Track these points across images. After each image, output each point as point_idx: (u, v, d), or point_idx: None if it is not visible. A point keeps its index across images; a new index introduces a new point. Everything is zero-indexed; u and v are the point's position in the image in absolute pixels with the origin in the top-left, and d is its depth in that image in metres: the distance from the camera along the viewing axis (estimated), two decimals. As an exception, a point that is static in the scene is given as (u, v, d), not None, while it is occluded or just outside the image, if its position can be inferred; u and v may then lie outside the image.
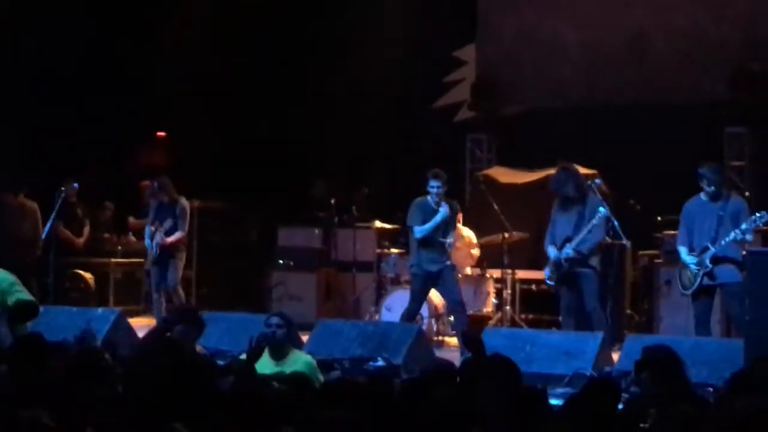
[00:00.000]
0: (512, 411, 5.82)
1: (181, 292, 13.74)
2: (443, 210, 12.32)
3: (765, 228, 13.04)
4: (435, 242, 12.42)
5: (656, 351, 7.05)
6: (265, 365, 8.14)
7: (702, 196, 11.21)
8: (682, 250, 11.27)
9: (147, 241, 13.90)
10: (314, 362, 8.67)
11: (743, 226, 10.77)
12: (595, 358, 10.69)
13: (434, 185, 12.34)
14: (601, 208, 11.63)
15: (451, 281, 12.55)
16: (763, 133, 15.34)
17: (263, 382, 6.85)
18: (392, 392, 6.23)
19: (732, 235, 10.81)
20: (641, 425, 6.03)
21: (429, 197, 12.39)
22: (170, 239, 13.63)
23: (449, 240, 12.56)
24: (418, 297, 12.64)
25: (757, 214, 10.74)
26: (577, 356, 10.73)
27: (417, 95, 17.52)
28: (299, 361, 8.53)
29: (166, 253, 13.66)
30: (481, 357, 7.17)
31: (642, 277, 14.14)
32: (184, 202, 13.91)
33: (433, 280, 12.50)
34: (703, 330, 11.19)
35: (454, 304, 12.59)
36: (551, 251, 11.86)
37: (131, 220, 16.90)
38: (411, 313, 12.53)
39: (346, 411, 5.43)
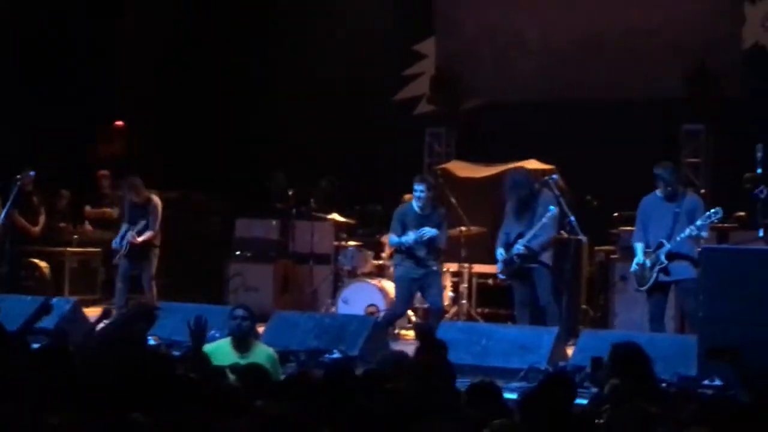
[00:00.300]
0: (466, 404, 5.85)
1: (154, 289, 13.68)
2: (427, 231, 12.15)
3: (720, 225, 13.16)
4: (418, 247, 12.27)
5: (625, 347, 7.07)
6: (229, 357, 8.17)
7: (658, 193, 11.31)
8: (638, 247, 11.34)
9: (117, 241, 13.78)
10: (276, 355, 8.72)
11: (698, 223, 10.86)
12: (550, 352, 10.74)
13: (417, 189, 12.18)
14: (552, 207, 11.69)
15: (435, 287, 12.37)
16: (719, 130, 15.45)
17: (217, 372, 6.86)
18: (349, 385, 6.24)
19: (687, 231, 10.89)
20: (597, 421, 6.07)
21: (414, 202, 12.31)
22: (141, 237, 13.61)
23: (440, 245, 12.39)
24: (402, 302, 12.60)
25: (712, 211, 10.83)
26: (532, 350, 10.78)
27: (376, 88, 17.51)
28: (262, 353, 8.58)
29: (140, 251, 13.63)
30: (432, 349, 7.17)
31: (598, 272, 14.21)
32: (156, 200, 13.87)
33: (416, 284, 12.36)
34: (657, 326, 11.28)
35: (435, 310, 12.45)
36: (499, 253, 11.94)
37: (87, 209, 16.83)
38: (393, 317, 12.71)
39: (301, 403, 5.44)
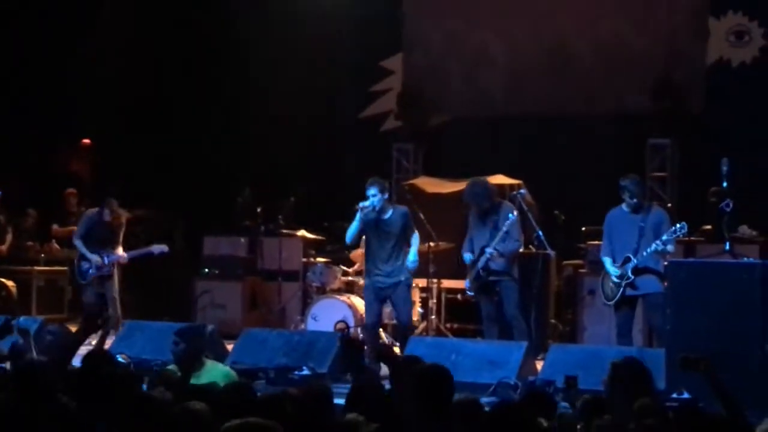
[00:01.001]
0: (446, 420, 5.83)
1: (119, 308, 13.56)
2: (367, 210, 11.67)
3: (687, 238, 13.23)
4: (382, 253, 11.87)
5: (627, 365, 7.04)
6: None
7: (624, 207, 11.33)
8: (606, 261, 11.38)
9: (86, 266, 13.55)
10: (233, 373, 8.50)
11: (664, 237, 10.89)
12: (519, 367, 10.74)
13: (369, 193, 11.70)
14: (510, 214, 11.69)
15: (402, 300, 11.88)
16: (685, 144, 15.52)
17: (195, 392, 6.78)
18: (328, 403, 6.20)
19: (653, 246, 10.93)
20: None
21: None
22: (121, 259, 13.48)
23: (411, 255, 11.85)
24: (369, 310, 12.07)
25: (678, 225, 10.87)
26: (501, 365, 10.78)
27: (343, 104, 17.55)
28: (214, 371, 8.27)
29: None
30: (398, 369, 7.13)
31: (566, 286, 14.25)
32: (123, 219, 13.72)
33: (385, 294, 11.93)
34: (624, 340, 11.30)
35: (402, 326, 12.06)
36: (467, 256, 11.96)
37: (55, 227, 16.77)
38: (367, 326, 12.26)
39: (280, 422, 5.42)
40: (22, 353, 9.23)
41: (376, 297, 11.92)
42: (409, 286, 11.95)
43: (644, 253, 10.96)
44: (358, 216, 11.70)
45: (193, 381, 7.82)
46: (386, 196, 11.82)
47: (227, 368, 8.65)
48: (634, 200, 11.19)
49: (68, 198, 17.05)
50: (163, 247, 13.60)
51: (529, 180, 13.91)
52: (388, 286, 11.80)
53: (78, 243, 13.42)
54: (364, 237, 12.17)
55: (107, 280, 13.34)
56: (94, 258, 13.24)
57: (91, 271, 13.32)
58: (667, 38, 15.91)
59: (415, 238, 11.99)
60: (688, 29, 15.90)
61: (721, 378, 6.56)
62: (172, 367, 8.32)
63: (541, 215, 13.24)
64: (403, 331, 11.99)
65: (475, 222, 12.01)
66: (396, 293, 11.81)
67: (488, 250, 11.70)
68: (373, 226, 11.80)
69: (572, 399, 6.92)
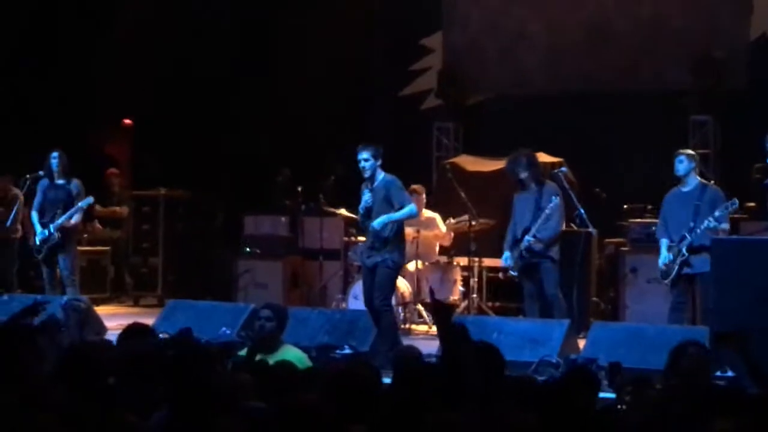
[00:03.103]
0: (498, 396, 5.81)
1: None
2: (365, 197, 11.09)
3: (730, 215, 13.18)
4: (366, 230, 11.27)
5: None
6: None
7: (681, 186, 11.35)
8: (663, 243, 11.34)
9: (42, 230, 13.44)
10: (305, 357, 8.47)
11: (716, 214, 10.84)
12: (561, 345, 10.73)
13: (360, 157, 11.01)
14: (554, 197, 11.65)
15: (380, 279, 11.00)
16: (727, 121, 15.42)
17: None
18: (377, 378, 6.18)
19: (706, 223, 10.87)
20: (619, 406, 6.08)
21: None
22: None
23: (383, 217, 10.91)
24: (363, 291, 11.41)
25: (729, 202, 10.83)
26: (543, 343, 10.77)
27: (383, 83, 17.52)
28: (288, 354, 8.19)
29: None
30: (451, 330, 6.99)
31: (607, 264, 14.20)
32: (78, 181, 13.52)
33: (371, 274, 11.10)
34: (675, 315, 11.27)
35: (373, 309, 11.15)
36: (504, 257, 11.94)
37: (98, 207, 16.83)
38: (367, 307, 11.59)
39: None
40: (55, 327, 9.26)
41: (366, 276, 11.23)
42: (388, 269, 11.01)
43: (698, 231, 10.90)
44: (364, 195, 11.15)
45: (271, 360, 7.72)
46: (379, 162, 10.99)
47: (299, 351, 8.55)
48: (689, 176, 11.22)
49: (110, 178, 17.14)
50: (88, 199, 13.48)
51: (570, 158, 13.87)
52: (371, 267, 11.09)
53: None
54: None
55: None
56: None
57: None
58: (709, 14, 15.80)
59: (406, 210, 10.98)
60: (731, 5, 15.78)
61: (754, 353, 6.52)
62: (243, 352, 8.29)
63: (582, 193, 13.19)
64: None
65: (518, 203, 11.98)
66: (377, 275, 11.04)
67: (527, 238, 11.66)
68: (366, 195, 11.16)
69: (617, 384, 6.86)
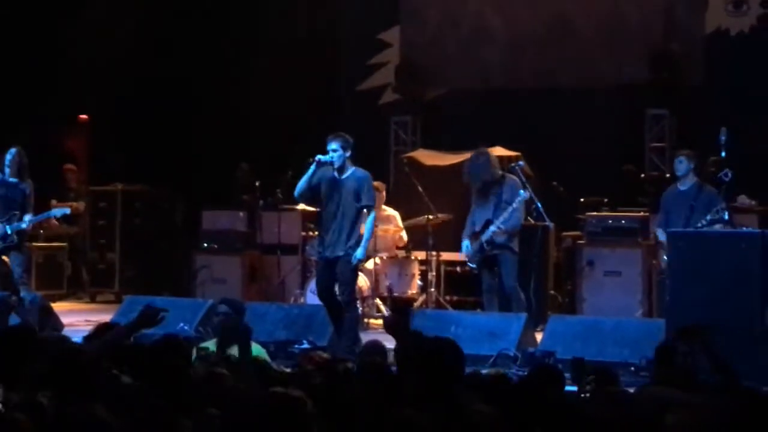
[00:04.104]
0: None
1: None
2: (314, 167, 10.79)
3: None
4: (328, 219, 10.96)
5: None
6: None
7: (680, 186, 11.62)
8: (659, 232, 11.59)
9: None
10: (264, 352, 8.44)
11: (708, 218, 10.94)
12: (518, 338, 10.78)
13: (330, 147, 10.84)
14: (521, 191, 11.68)
15: (343, 274, 10.88)
16: (683, 114, 15.51)
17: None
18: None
19: (700, 224, 10.94)
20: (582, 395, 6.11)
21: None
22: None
23: (360, 249, 10.78)
24: (317, 282, 11.29)
25: (718, 206, 10.90)
26: (501, 337, 10.82)
27: (341, 78, 17.51)
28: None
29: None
30: (406, 340, 7.07)
31: (565, 258, 14.25)
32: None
33: (331, 267, 10.96)
34: None
35: (330, 302, 11.06)
36: (464, 245, 11.90)
37: (54, 203, 16.74)
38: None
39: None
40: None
41: (324, 269, 11.08)
42: (348, 262, 10.83)
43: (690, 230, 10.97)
44: (311, 168, 10.80)
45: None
46: (348, 154, 10.85)
47: (258, 346, 8.50)
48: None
49: (67, 173, 17.06)
50: (65, 210, 13.41)
51: (528, 151, 13.90)
52: (332, 260, 10.90)
53: None
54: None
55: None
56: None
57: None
58: (665, 8, 15.88)
59: (369, 222, 10.95)
60: (686, 0, 15.87)
61: (717, 348, 6.57)
62: (206, 344, 8.27)
63: (539, 187, 13.23)
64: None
65: (476, 198, 11.98)
66: (338, 267, 10.88)
67: (492, 227, 11.66)
68: (329, 186, 10.92)
69: (581, 381, 6.88)
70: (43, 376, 5.67)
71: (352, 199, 10.85)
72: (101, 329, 7.40)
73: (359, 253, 10.79)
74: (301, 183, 10.93)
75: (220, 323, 8.50)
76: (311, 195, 11.10)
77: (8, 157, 13.00)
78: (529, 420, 5.35)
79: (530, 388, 5.88)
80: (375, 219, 13.51)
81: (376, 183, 13.75)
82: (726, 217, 10.84)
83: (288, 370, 6.93)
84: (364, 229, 10.91)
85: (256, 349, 8.26)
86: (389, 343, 7.79)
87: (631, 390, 6.65)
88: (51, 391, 5.40)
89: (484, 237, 11.72)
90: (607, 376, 6.61)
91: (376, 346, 7.86)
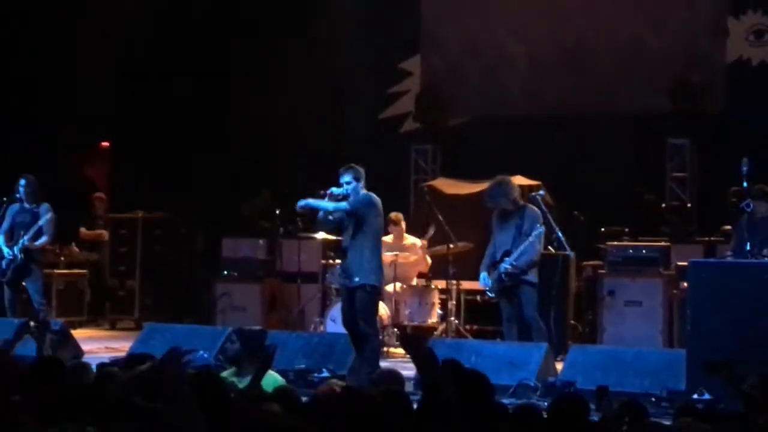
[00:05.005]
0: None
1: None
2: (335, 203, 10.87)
3: (707, 238, 13.23)
4: (345, 246, 11.12)
5: None
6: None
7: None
8: None
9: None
10: (282, 381, 8.41)
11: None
12: (539, 368, 10.73)
13: (342, 181, 10.96)
14: (539, 225, 11.63)
15: (360, 303, 10.87)
16: (704, 144, 15.48)
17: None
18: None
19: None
20: None
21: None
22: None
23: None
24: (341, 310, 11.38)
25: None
26: (521, 366, 10.77)
27: (362, 106, 17.54)
28: (266, 380, 8.25)
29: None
30: (431, 367, 7.02)
31: (585, 287, 14.21)
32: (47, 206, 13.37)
33: (351, 296, 10.99)
34: None
35: (352, 330, 11.03)
36: (482, 278, 11.80)
37: (83, 230, 16.84)
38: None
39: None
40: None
41: (345, 298, 11.14)
42: (366, 291, 10.83)
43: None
44: (323, 202, 10.88)
45: (239, 384, 7.66)
46: (361, 184, 10.92)
47: (277, 376, 8.49)
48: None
49: (95, 202, 17.18)
50: (46, 216, 13.34)
51: (548, 180, 13.88)
52: (348, 288, 10.98)
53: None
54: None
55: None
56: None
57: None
58: (686, 38, 15.89)
59: (335, 205, 10.87)
60: (707, 29, 15.87)
61: (743, 381, 6.54)
62: (225, 374, 8.26)
63: (559, 216, 13.21)
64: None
65: (497, 225, 11.94)
66: (356, 299, 10.90)
67: (507, 260, 11.62)
68: (344, 224, 11.06)
69: (605, 408, 6.85)
70: (79, 406, 5.69)
71: (359, 223, 10.91)
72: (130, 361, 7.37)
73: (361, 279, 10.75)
74: (320, 215, 11.04)
75: (223, 351, 8.47)
76: (334, 225, 11.28)
77: (22, 185, 13.12)
78: None
79: (558, 419, 5.85)
80: (395, 248, 13.66)
81: (394, 214, 13.87)
82: None
83: (304, 399, 6.88)
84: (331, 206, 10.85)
85: (275, 378, 8.25)
86: (404, 371, 7.76)
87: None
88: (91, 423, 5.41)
89: (502, 268, 11.67)
90: (637, 408, 6.57)
91: (392, 374, 7.83)
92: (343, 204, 10.90)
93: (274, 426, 5.50)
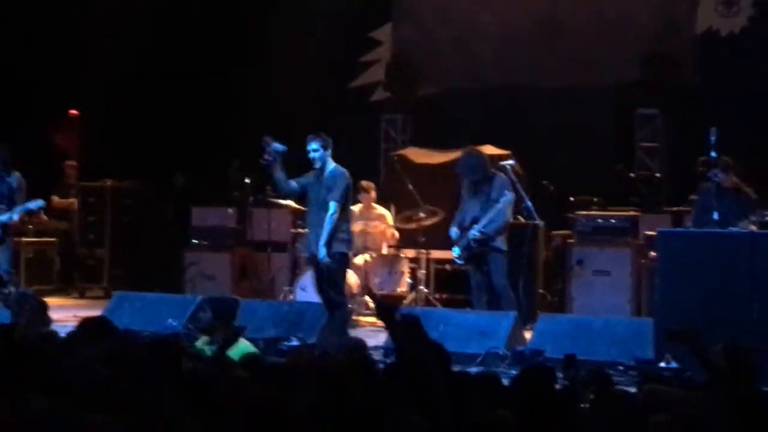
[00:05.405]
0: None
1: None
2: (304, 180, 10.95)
3: (675, 208, 13.28)
4: (312, 216, 11.10)
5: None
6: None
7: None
8: None
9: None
10: (253, 348, 8.40)
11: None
12: (507, 337, 10.77)
13: (310, 148, 10.94)
14: (507, 192, 11.66)
15: (329, 274, 10.93)
16: (674, 114, 15.53)
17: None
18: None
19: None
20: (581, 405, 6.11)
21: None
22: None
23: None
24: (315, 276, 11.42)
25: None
26: (490, 335, 10.81)
27: (333, 75, 17.49)
28: (237, 347, 8.13)
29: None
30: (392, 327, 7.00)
31: (554, 257, 14.25)
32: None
33: (317, 265, 11.01)
34: None
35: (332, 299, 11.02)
36: (452, 232, 11.91)
37: (55, 199, 16.73)
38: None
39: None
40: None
41: (315, 266, 11.17)
42: (336, 260, 10.84)
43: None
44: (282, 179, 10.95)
45: (208, 351, 7.65)
46: (328, 152, 10.90)
47: (247, 344, 8.48)
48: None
49: (68, 170, 17.10)
50: (39, 202, 13.39)
51: (518, 150, 13.89)
52: (315, 258, 10.95)
53: None
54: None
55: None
56: None
57: None
58: (656, 9, 15.90)
59: (329, 217, 10.74)
60: (678, 0, 15.89)
61: (707, 349, 6.57)
62: (199, 342, 8.27)
63: (529, 185, 13.24)
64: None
65: (467, 193, 11.99)
66: (325, 269, 10.94)
67: (473, 232, 11.67)
68: (311, 185, 10.99)
69: (572, 377, 6.88)
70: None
71: (326, 196, 10.86)
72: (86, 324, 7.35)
73: (321, 253, 10.74)
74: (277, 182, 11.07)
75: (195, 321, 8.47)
76: (301, 194, 11.26)
77: None
78: (529, 419, 5.35)
79: (523, 388, 5.88)
80: (365, 218, 13.67)
81: (365, 182, 13.85)
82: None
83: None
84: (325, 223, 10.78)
85: (245, 345, 8.27)
86: (373, 340, 7.77)
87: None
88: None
89: (470, 235, 11.72)
90: (603, 377, 6.61)
91: (359, 343, 7.84)
92: (330, 216, 10.72)
93: (241, 393, 5.51)
